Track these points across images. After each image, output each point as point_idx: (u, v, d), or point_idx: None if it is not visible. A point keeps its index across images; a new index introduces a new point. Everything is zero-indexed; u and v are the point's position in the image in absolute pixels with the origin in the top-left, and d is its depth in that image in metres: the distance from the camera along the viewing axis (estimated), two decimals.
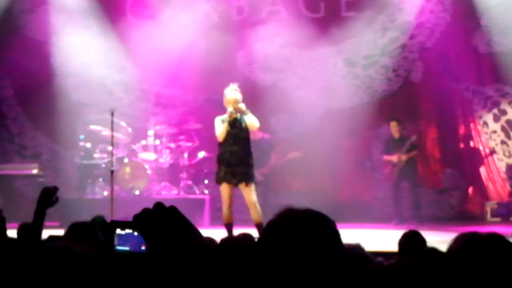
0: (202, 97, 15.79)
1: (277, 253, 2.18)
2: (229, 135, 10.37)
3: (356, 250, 4.86)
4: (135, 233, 3.22)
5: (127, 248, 3.24)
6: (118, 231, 3.25)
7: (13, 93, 16.22)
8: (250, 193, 10.22)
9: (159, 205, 2.15)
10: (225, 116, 10.44)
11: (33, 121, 16.12)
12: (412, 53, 15.74)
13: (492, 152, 15.55)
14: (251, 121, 10.46)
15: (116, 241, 3.22)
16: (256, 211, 10.15)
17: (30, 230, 5.08)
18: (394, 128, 14.68)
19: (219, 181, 10.39)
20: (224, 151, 10.42)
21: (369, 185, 15.88)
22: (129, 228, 3.24)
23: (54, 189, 5.06)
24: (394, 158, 14.56)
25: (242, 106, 10.47)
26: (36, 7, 15.84)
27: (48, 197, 5.05)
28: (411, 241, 5.99)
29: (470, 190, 15.67)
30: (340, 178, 15.70)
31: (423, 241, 6.05)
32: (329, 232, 2.23)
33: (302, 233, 2.19)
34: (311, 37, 15.15)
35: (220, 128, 10.39)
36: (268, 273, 2.18)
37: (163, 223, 2.11)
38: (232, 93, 10.59)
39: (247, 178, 10.25)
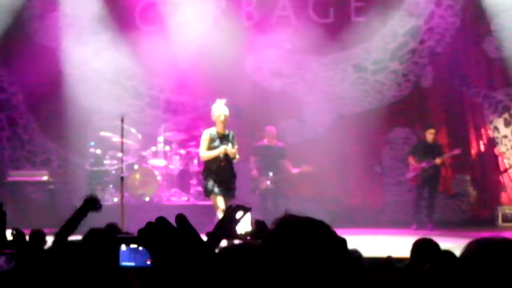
0: (212, 103, 15.72)
1: (277, 261, 2.18)
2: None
3: (353, 255, 4.86)
4: (140, 248, 3.21)
5: (132, 264, 3.23)
6: (123, 247, 3.24)
7: (23, 100, 16.25)
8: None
9: (162, 219, 2.14)
10: (214, 133, 10.98)
11: (43, 128, 16.13)
12: (422, 58, 15.71)
13: (503, 156, 15.50)
14: (235, 155, 11.01)
15: (121, 257, 3.21)
16: None
17: (63, 228, 5.51)
18: (430, 136, 14.62)
19: (208, 194, 11.03)
20: (211, 166, 10.96)
21: (379, 190, 15.86)
22: (134, 243, 3.23)
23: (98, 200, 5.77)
24: (437, 161, 14.48)
25: (234, 151, 10.95)
26: (46, 13, 15.87)
27: (93, 203, 5.68)
28: (424, 249, 5.95)
29: (481, 195, 15.61)
30: (350, 184, 15.69)
31: (437, 248, 6.02)
32: (328, 239, 2.22)
33: (301, 242, 2.18)
34: (320, 42, 15.12)
35: (207, 152, 10.98)
36: (269, 281, 2.17)
37: (168, 237, 2.10)
38: (220, 109, 10.93)
39: (234, 193, 11.00)
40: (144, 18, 15.93)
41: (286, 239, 2.21)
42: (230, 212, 3.60)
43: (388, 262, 5.65)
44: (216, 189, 10.87)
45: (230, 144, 10.95)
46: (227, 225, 3.57)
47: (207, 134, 11.04)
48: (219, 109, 10.93)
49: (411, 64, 15.71)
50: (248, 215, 3.63)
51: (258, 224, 3.82)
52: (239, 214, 3.59)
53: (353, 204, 15.56)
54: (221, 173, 10.92)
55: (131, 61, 15.71)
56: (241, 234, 3.61)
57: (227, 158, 10.92)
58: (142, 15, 15.95)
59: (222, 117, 10.91)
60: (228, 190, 10.90)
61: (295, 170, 14.58)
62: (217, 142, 10.96)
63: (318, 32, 15.23)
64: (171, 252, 2.06)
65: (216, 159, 10.95)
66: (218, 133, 11.02)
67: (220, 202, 10.75)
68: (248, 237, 3.70)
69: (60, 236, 5.38)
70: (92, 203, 5.72)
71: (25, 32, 15.93)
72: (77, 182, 15.32)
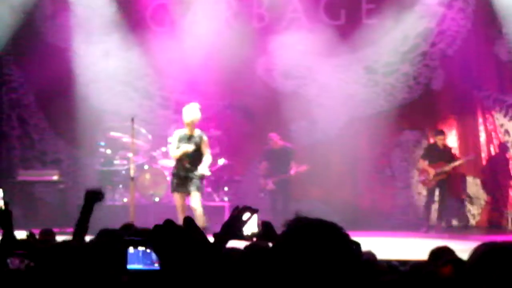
0: (222, 104, 15.81)
1: (289, 264, 2.17)
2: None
3: (367, 257, 4.85)
4: (148, 250, 3.21)
5: (140, 266, 3.23)
6: (131, 249, 3.23)
7: (34, 100, 16.29)
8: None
9: (169, 222, 2.14)
10: (183, 134, 11.48)
11: (53, 128, 16.17)
12: (433, 60, 15.67)
13: None
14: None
15: (128, 259, 3.20)
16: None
17: (76, 228, 5.49)
18: (440, 142, 14.60)
19: (171, 191, 11.61)
20: (176, 164, 11.56)
21: (389, 193, 15.84)
22: (142, 245, 3.23)
23: (99, 190, 5.74)
24: (446, 167, 14.45)
25: (190, 150, 11.37)
26: (58, 13, 15.90)
27: (95, 195, 5.64)
28: (441, 256, 5.91)
29: (491, 199, 15.56)
30: (360, 186, 15.69)
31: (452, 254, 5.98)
32: (339, 241, 2.21)
33: (313, 244, 2.18)
34: (331, 44, 15.11)
35: (173, 152, 11.59)
36: (281, 284, 2.17)
37: (175, 240, 2.09)
38: (187, 114, 11.39)
39: (191, 189, 11.33)
40: (155, 19, 15.95)
41: (298, 240, 2.20)
42: (237, 213, 3.60)
43: (391, 265, 5.63)
44: (175, 187, 11.48)
45: (192, 145, 11.32)
46: (234, 226, 3.57)
47: (176, 134, 11.63)
48: (186, 114, 11.39)
49: (422, 66, 15.67)
50: (255, 216, 3.63)
51: (265, 226, 3.82)
52: (246, 215, 3.59)
53: (363, 206, 15.55)
54: (182, 172, 11.40)
55: (142, 62, 15.73)
56: (247, 235, 3.62)
57: (191, 158, 11.32)
58: (153, 15, 15.97)
59: (188, 121, 11.36)
60: (185, 187, 11.33)
61: (292, 171, 14.61)
62: (183, 143, 11.40)
63: (329, 34, 15.22)
64: (178, 255, 2.06)
65: (181, 158, 11.42)
66: (186, 134, 11.47)
67: (177, 200, 11.38)
68: (255, 239, 3.70)
69: (76, 239, 5.38)
70: (93, 196, 5.66)
71: (36, 31, 15.98)
72: (87, 182, 15.30)
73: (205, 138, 11.51)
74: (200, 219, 10.91)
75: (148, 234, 2.19)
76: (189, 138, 11.39)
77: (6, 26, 15.56)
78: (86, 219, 5.52)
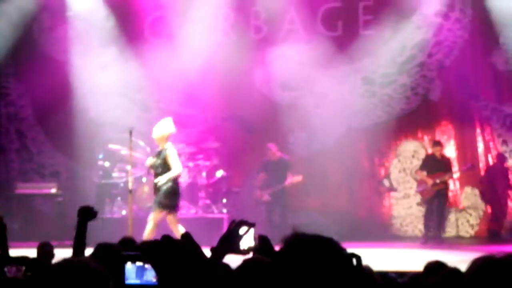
0: (221, 115, 15.82)
1: (288, 279, 2.18)
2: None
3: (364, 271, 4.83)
4: (146, 266, 3.20)
5: (138, 281, 3.23)
6: (129, 264, 3.23)
7: (31, 112, 16.30)
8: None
9: (167, 238, 2.15)
10: (157, 150, 11.68)
11: (52, 140, 16.18)
12: (431, 71, 15.70)
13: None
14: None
15: (126, 275, 3.20)
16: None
17: (74, 246, 5.53)
18: (438, 152, 14.61)
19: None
20: None
21: (387, 204, 15.85)
22: (140, 260, 3.23)
23: (92, 208, 5.75)
24: (446, 178, 14.48)
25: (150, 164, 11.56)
26: (56, 26, 15.92)
27: (88, 213, 5.67)
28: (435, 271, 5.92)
29: (490, 209, 15.56)
30: (358, 196, 15.70)
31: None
32: (336, 256, 2.22)
33: (311, 260, 2.18)
34: (329, 55, 15.14)
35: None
36: None
37: (173, 255, 2.10)
38: (155, 130, 11.38)
39: (156, 206, 11.29)
40: (153, 31, 15.97)
41: (296, 257, 2.21)
42: (233, 227, 3.59)
43: (389, 277, 5.62)
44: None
45: (155, 159, 11.38)
46: (230, 240, 3.56)
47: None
48: (154, 130, 11.41)
49: (419, 77, 15.70)
50: (252, 230, 3.63)
51: (261, 240, 3.82)
52: (242, 230, 3.58)
53: (361, 216, 15.56)
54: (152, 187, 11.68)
55: (140, 74, 15.73)
56: (244, 250, 3.61)
57: (158, 173, 11.30)
58: (151, 27, 16.00)
59: (155, 136, 11.41)
60: (153, 203, 11.46)
61: (287, 182, 14.56)
62: (155, 158, 11.47)
63: (326, 45, 15.25)
64: (177, 269, 2.07)
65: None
66: (157, 150, 11.58)
67: (150, 216, 11.36)
68: (252, 253, 3.69)
69: (76, 255, 5.39)
70: (86, 214, 5.69)
71: (34, 44, 15.99)
72: (86, 195, 15.30)
73: (169, 152, 11.24)
74: (146, 234, 11.00)
75: (146, 249, 2.19)
76: (158, 153, 11.37)
77: (4, 39, 15.58)
78: (82, 236, 5.55)
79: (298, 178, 14.46)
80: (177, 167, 11.24)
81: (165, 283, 2.13)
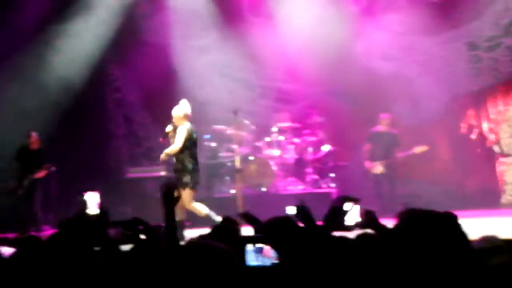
0: (323, 90, 15.74)
1: (402, 257, 2.14)
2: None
3: (492, 241, 4.70)
4: (266, 247, 3.21)
5: (259, 263, 3.24)
6: (250, 246, 3.24)
7: (137, 97, 16.59)
8: None
9: (286, 219, 2.13)
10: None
11: (158, 123, 16.41)
12: None
13: None
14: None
15: (247, 256, 3.21)
16: None
17: (166, 231, 5.19)
18: None
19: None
20: None
21: (497, 170, 15.49)
22: (260, 242, 3.24)
23: (173, 185, 5.34)
24: None
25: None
26: (156, 11, 16.13)
27: (171, 195, 5.32)
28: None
29: None
30: (468, 164, 15.38)
31: None
32: (453, 232, 2.17)
33: (427, 236, 2.14)
34: (431, 22, 14.85)
35: None
36: (397, 273, 2.15)
37: (294, 236, 2.09)
38: (173, 111, 11.77)
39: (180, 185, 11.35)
40: (252, 10, 16.00)
41: (412, 234, 2.17)
42: (338, 203, 3.52)
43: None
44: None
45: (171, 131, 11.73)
46: (335, 217, 3.49)
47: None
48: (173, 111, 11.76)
49: None
50: (357, 206, 3.55)
51: (367, 215, 3.71)
52: (347, 206, 3.51)
53: (471, 184, 15.27)
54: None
55: (241, 53, 15.80)
56: (350, 226, 3.53)
57: (170, 144, 11.70)
58: (250, 7, 16.03)
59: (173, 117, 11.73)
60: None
61: (405, 153, 14.31)
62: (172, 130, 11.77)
63: (427, 12, 14.97)
64: (298, 250, 2.05)
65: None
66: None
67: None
68: (357, 228, 3.61)
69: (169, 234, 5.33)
70: (168, 189, 5.31)
71: (136, 31, 16.23)
72: None
73: (180, 130, 11.57)
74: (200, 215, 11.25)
75: (267, 231, 2.19)
76: (175, 128, 11.71)
77: (107, 27, 15.87)
78: (171, 213, 5.42)
79: (422, 148, 14.17)
80: (176, 145, 11.49)
81: (287, 263, 2.12)
